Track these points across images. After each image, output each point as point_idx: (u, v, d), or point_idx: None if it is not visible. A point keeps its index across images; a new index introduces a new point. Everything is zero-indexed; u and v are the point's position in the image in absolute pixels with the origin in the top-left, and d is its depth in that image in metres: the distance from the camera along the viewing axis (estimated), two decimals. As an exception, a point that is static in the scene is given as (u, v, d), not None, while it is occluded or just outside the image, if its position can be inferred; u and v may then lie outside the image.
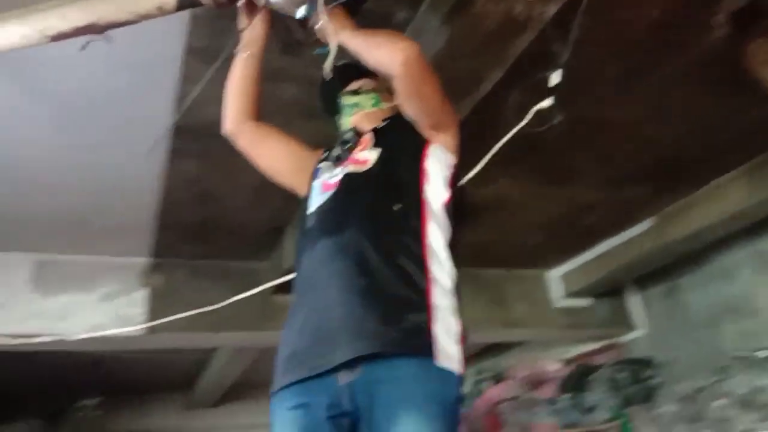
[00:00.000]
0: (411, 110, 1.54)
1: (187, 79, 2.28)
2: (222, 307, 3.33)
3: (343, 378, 1.28)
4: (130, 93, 2.37)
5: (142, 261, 3.72)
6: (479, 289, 4.55)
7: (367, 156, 1.56)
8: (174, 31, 2.10)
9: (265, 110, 2.58)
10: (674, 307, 4.51)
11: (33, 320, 3.36)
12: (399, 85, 1.49)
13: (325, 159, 1.66)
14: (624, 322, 4.83)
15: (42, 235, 3.34)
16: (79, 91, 2.35)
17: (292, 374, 1.35)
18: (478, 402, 5.76)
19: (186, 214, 3.30)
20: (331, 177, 1.57)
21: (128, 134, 2.58)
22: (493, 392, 5.60)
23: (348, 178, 1.53)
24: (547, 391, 5.06)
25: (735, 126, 3.04)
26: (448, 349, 1.30)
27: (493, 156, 3.07)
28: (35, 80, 2.29)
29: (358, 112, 1.71)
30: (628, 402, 4.23)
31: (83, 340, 3.39)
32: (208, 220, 3.37)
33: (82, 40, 1.72)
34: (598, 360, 4.87)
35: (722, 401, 3.57)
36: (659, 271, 4.43)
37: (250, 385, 5.78)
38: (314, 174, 1.64)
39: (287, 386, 1.35)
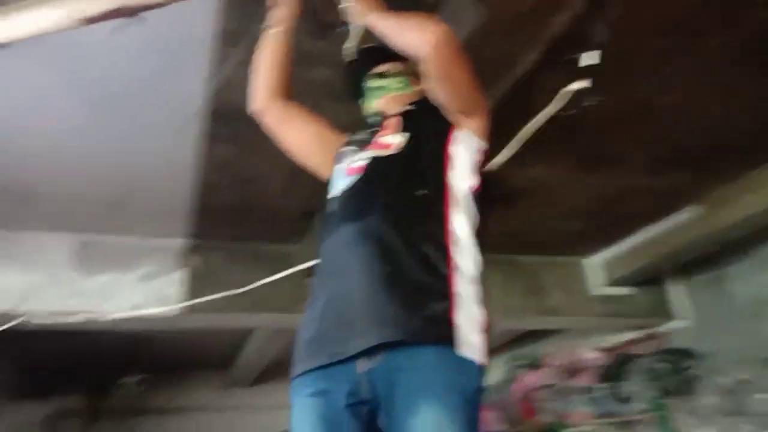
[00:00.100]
0: (439, 94, 1.50)
1: (218, 62, 2.28)
2: (256, 289, 3.37)
3: (363, 365, 1.27)
4: (163, 76, 2.39)
5: (180, 243, 3.77)
6: (515, 276, 4.49)
7: (391, 140, 1.53)
8: (204, 14, 2.10)
9: (296, 93, 2.58)
10: (718, 297, 4.36)
11: (75, 299, 3.45)
12: (428, 69, 1.45)
13: (349, 143, 1.64)
14: (665, 312, 4.69)
15: (84, 216, 3.42)
16: (112, 75, 2.38)
17: (311, 360, 1.34)
18: (514, 388, 5.72)
19: (222, 197, 3.33)
20: (354, 161, 1.55)
21: (161, 117, 2.60)
22: (529, 379, 5.55)
23: (372, 162, 1.51)
24: (584, 380, 4.98)
25: (786, 108, 2.90)
26: (470, 339, 1.28)
27: (530, 140, 3.02)
28: (70, 65, 2.33)
29: (385, 96, 1.68)
30: (666, 393, 4.13)
31: (122, 319, 3.49)
32: (243, 203, 3.39)
33: (113, 23, 1.74)
34: (637, 350, 4.76)
35: (765, 395, 3.45)
36: (703, 259, 4.28)
37: (285, 365, 5.82)
38: (338, 158, 1.62)
39: (307, 372, 1.34)
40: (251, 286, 3.01)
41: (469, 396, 1.26)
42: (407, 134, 1.53)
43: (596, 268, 4.64)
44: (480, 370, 1.29)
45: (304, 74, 2.40)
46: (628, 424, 4.33)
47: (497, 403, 5.81)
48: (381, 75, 1.71)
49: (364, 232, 1.38)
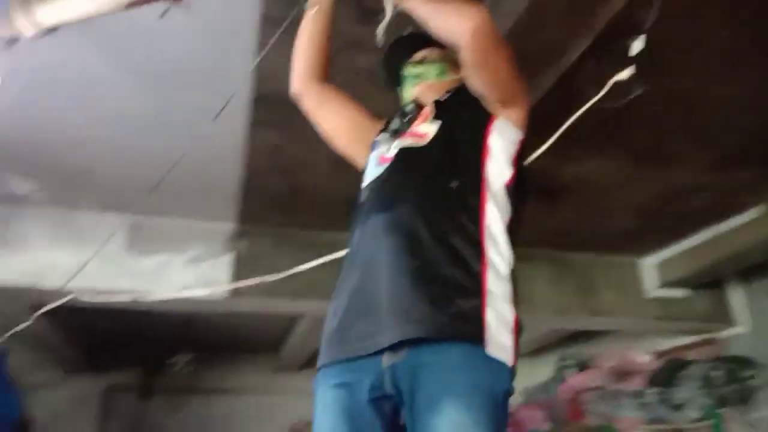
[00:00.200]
0: (478, 82, 1.45)
1: (263, 47, 2.28)
2: (301, 275, 3.38)
3: (387, 360, 1.23)
4: (209, 60, 2.42)
5: (228, 227, 3.83)
6: (565, 274, 4.38)
7: (425, 129, 1.49)
8: (249, -1, 2.10)
9: (340, 80, 2.56)
10: (781, 303, 4.13)
11: (125, 278, 3.56)
12: (466, 56, 1.40)
13: (385, 131, 1.60)
14: (723, 317, 4.48)
15: (136, 198, 3.51)
16: (161, 59, 2.42)
17: (336, 352, 1.32)
18: (561, 388, 5.58)
19: (269, 183, 3.36)
20: (387, 150, 1.51)
21: (209, 101, 2.62)
22: (577, 380, 5.39)
23: (404, 152, 1.46)
24: (634, 384, 4.80)
25: None
26: (500, 339, 1.23)
27: (581, 133, 2.90)
28: (121, 49, 2.38)
29: (421, 83, 1.64)
30: (722, 402, 3.93)
31: (170, 300, 3.58)
32: (290, 189, 3.42)
33: (159, 8, 1.76)
34: (692, 355, 4.55)
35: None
36: (766, 263, 4.05)
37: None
38: (373, 146, 1.59)
39: (331, 364, 1.32)
40: (292, 271, 3.01)
41: (496, 398, 1.20)
42: (440, 123, 1.48)
43: (651, 269, 4.47)
44: (509, 372, 1.23)
45: (347, 61, 2.39)
46: (678, 432, 4.17)
47: (543, 402, 5.69)
48: (419, 62, 1.67)
49: (393, 224, 1.34)
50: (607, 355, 5.27)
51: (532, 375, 6.27)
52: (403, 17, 1.59)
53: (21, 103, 2.61)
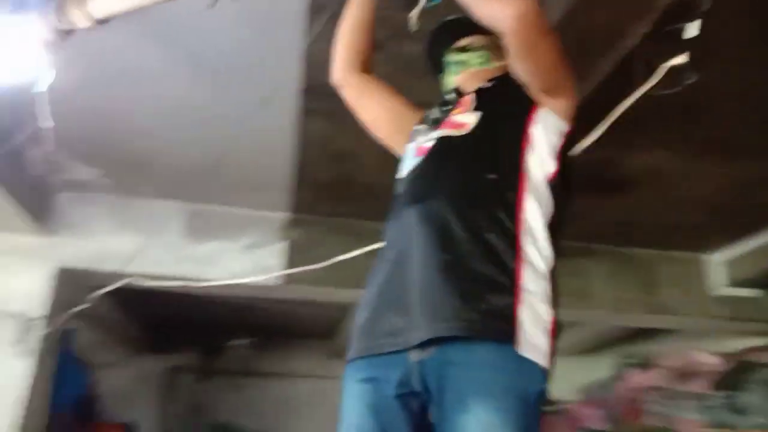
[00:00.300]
0: (522, 71, 1.38)
1: (310, 36, 2.27)
2: (353, 264, 3.40)
3: (415, 356, 1.21)
4: (259, 49, 2.43)
5: (282, 216, 3.87)
6: (625, 270, 4.21)
7: (465, 119, 1.44)
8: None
9: (388, 68, 2.52)
10: None
11: (184, 264, 3.65)
12: (510, 43, 1.34)
13: (424, 120, 1.57)
14: (798, 320, 4.22)
15: (193, 186, 3.60)
16: (212, 48, 2.45)
17: (364, 346, 1.31)
18: (620, 387, 5.41)
19: (320, 172, 3.37)
20: (426, 140, 1.47)
21: (259, 90, 2.65)
22: (637, 379, 5.22)
23: (441, 142, 1.43)
24: (698, 386, 4.59)
25: None
26: (534, 339, 1.18)
27: (643, 123, 2.78)
28: (174, 40, 2.42)
29: (464, 71, 1.59)
30: (792, 410, 3.72)
31: (226, 285, 3.66)
32: (341, 179, 3.41)
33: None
34: (762, 358, 4.31)
35: None
36: None
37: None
38: (411, 136, 1.55)
39: (359, 358, 1.31)
40: (338, 258, 3.03)
41: (527, 399, 1.16)
42: (479, 113, 1.43)
43: (718, 266, 4.24)
44: (542, 373, 1.19)
45: (394, 49, 2.35)
46: (743, 438, 3.96)
47: (601, 400, 5.54)
48: (462, 49, 1.62)
49: (426, 217, 1.31)
50: (670, 354, 5.06)
51: (591, 372, 6.10)
52: (448, 2, 1.55)
53: (85, 93, 2.69)
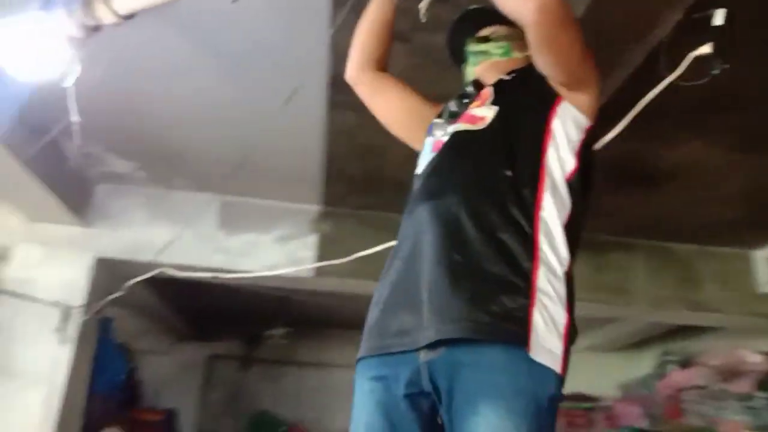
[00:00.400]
0: (544, 63, 1.34)
1: (335, 27, 2.26)
2: (383, 256, 3.38)
3: (424, 356, 1.19)
4: (286, 41, 2.43)
5: (313, 208, 3.89)
6: (666, 266, 4.09)
7: (482, 113, 1.40)
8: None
9: (418, 60, 2.49)
10: None
11: (218, 255, 3.71)
12: (531, 35, 1.29)
13: (442, 114, 1.53)
14: None
15: (226, 178, 3.63)
16: (240, 40, 2.46)
17: (374, 345, 1.29)
18: (661, 385, 5.27)
19: (349, 166, 3.37)
20: (442, 135, 1.44)
21: (287, 82, 2.65)
22: (678, 377, 5.08)
23: (457, 136, 1.39)
24: (742, 386, 4.45)
25: None
26: (547, 343, 1.14)
27: (681, 115, 2.68)
28: (202, 34, 2.44)
29: (485, 62, 1.54)
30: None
31: (259, 277, 3.69)
32: (370, 172, 3.40)
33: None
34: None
35: None
36: None
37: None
38: (429, 130, 1.52)
39: (369, 356, 1.30)
40: (370, 251, 3.02)
41: (539, 403, 1.12)
42: (496, 107, 1.39)
43: (764, 263, 4.08)
44: (556, 378, 1.14)
45: (420, 40, 2.32)
46: (790, 441, 3.81)
47: (641, 398, 5.41)
48: (483, 39, 1.58)
49: (438, 214, 1.28)
50: (714, 352, 4.91)
51: (631, 369, 5.97)
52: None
53: (118, 88, 2.75)
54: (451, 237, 1.24)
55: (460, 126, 1.41)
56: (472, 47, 1.58)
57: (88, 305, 3.50)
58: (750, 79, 2.22)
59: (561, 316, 1.18)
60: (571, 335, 1.19)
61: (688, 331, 5.32)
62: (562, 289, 1.21)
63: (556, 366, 1.14)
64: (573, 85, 1.35)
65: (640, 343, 5.89)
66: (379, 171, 3.39)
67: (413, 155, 3.34)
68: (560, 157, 1.31)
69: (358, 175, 3.45)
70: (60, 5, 1.78)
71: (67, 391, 3.39)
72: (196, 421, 6.84)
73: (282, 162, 3.42)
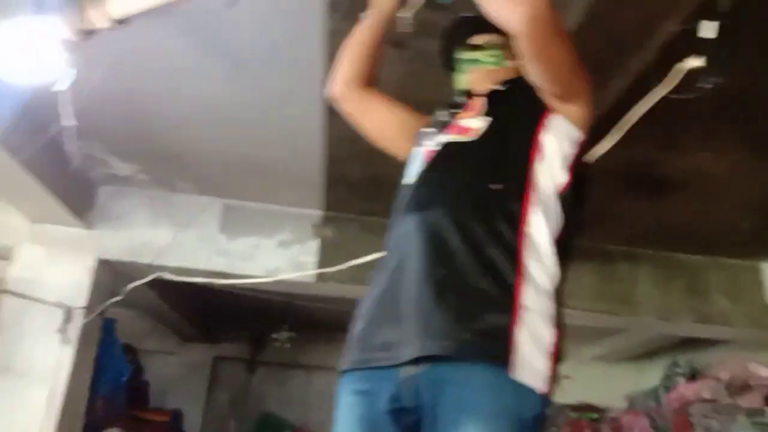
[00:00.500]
0: (534, 74, 1.31)
1: (332, 32, 2.24)
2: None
3: (407, 371, 1.16)
4: (284, 44, 2.41)
5: (316, 213, 3.87)
6: (673, 276, 4.02)
7: (474, 124, 1.37)
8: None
9: (416, 66, 2.46)
10: None
11: (220, 259, 3.69)
12: (521, 45, 1.26)
13: (432, 123, 1.51)
14: None
15: (228, 182, 3.63)
16: (240, 43, 2.45)
17: (358, 358, 1.27)
18: (669, 397, 5.18)
19: (350, 171, 3.34)
20: (433, 145, 1.41)
21: (288, 87, 2.65)
22: (687, 390, 4.99)
23: (446, 147, 1.36)
24: (753, 400, 4.36)
25: None
26: (532, 362, 1.11)
27: (690, 123, 2.63)
28: (204, 36, 2.42)
29: (476, 70, 1.51)
30: None
31: (260, 281, 3.69)
32: (371, 177, 3.37)
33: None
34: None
35: None
36: None
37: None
38: (418, 139, 1.50)
39: (352, 370, 1.28)
40: (372, 257, 3.00)
41: (523, 423, 1.10)
42: (489, 119, 1.36)
43: (775, 276, 4.00)
44: (540, 398, 1.11)
45: (418, 46, 2.29)
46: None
47: (648, 410, 5.33)
48: (475, 47, 1.54)
49: (424, 228, 1.25)
50: (723, 365, 4.82)
51: (638, 380, 5.88)
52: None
53: (119, 90, 2.75)
54: (437, 250, 1.21)
55: (450, 137, 1.38)
56: (464, 55, 1.56)
57: (91, 306, 3.50)
58: (762, 87, 2.16)
59: (547, 334, 1.15)
60: (559, 353, 1.16)
61: (696, 342, 5.22)
62: (549, 306, 1.18)
63: (541, 385, 1.11)
64: (565, 96, 1.32)
65: (648, 353, 5.81)
66: (380, 176, 3.36)
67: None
68: (551, 170, 1.28)
69: (360, 180, 3.43)
70: (54, 9, 1.79)
71: (68, 391, 3.39)
72: (201, 422, 6.86)
73: (284, 166, 3.40)
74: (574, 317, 3.96)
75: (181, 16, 2.30)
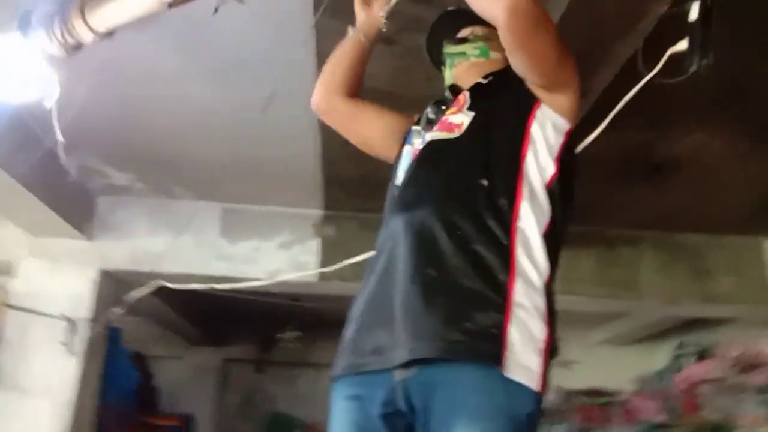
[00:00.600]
0: (518, 65, 1.29)
1: (321, 34, 2.23)
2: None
3: (399, 375, 1.15)
4: (273, 49, 2.40)
5: (315, 213, 3.87)
6: (676, 258, 4.02)
7: (458, 120, 1.35)
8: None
9: (406, 62, 2.45)
10: None
11: (221, 263, 3.70)
12: (504, 36, 1.25)
13: (419, 121, 1.50)
14: None
15: (226, 186, 3.63)
16: (229, 48, 2.44)
17: (350, 363, 1.26)
18: (678, 378, 5.18)
19: (345, 171, 3.33)
20: (420, 143, 1.39)
21: (278, 90, 2.63)
22: (695, 370, 4.99)
23: (432, 145, 1.35)
24: (761, 378, 4.35)
25: None
26: (525, 360, 1.10)
27: (687, 106, 2.62)
28: (194, 43, 2.42)
29: (462, 63, 1.49)
30: None
31: (262, 285, 3.68)
32: (365, 176, 3.36)
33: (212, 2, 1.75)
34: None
35: None
36: None
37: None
38: (405, 138, 1.48)
39: (344, 375, 1.27)
40: (364, 256, 2.99)
41: (518, 422, 1.09)
42: (472, 113, 1.35)
43: (778, 252, 3.99)
44: (533, 396, 1.10)
45: (408, 41, 2.27)
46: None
47: (657, 392, 5.33)
48: (461, 40, 1.53)
49: (412, 227, 1.23)
50: (731, 344, 4.81)
51: (647, 362, 5.89)
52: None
53: (113, 99, 2.75)
54: (426, 250, 1.20)
55: (435, 134, 1.37)
56: (449, 49, 1.54)
57: (94, 318, 3.52)
58: (759, 70, 2.15)
59: (539, 331, 1.14)
60: (551, 350, 1.15)
61: (703, 322, 5.22)
62: (540, 302, 1.16)
63: (534, 383, 1.10)
64: (551, 87, 1.30)
65: (655, 335, 5.80)
66: (373, 174, 3.35)
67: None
68: (539, 163, 1.26)
69: (355, 178, 3.42)
70: (39, 25, 1.78)
71: (76, 403, 3.41)
72: (212, 424, 6.89)
73: (280, 167, 3.40)
74: (578, 303, 3.96)
75: (170, 25, 2.29)
